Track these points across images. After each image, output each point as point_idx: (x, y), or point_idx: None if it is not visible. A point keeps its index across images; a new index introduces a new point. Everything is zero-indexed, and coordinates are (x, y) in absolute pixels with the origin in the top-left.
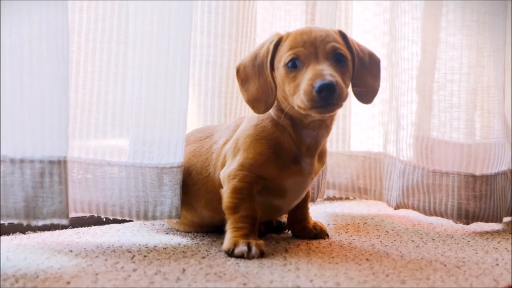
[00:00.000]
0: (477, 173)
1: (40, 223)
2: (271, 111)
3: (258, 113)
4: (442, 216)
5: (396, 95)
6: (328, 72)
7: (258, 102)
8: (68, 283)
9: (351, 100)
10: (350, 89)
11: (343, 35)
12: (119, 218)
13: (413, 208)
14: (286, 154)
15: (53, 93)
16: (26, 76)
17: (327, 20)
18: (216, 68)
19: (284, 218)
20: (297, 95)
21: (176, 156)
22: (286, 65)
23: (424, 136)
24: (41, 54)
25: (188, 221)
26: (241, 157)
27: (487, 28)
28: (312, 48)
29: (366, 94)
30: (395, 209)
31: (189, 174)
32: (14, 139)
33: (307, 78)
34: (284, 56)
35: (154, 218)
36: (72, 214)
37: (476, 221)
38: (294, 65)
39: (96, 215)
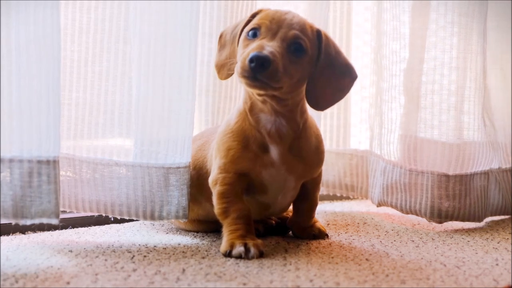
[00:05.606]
0: (451, 172)
1: (28, 222)
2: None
3: (220, 78)
4: (417, 214)
5: (381, 94)
6: (270, 48)
7: (222, 67)
8: (68, 283)
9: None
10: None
11: (318, 34)
12: (127, 218)
13: (392, 206)
14: (253, 142)
15: (41, 93)
16: (15, 76)
17: (318, 22)
18: (203, 67)
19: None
20: (239, 61)
21: (182, 156)
22: (247, 32)
23: (407, 135)
24: (30, 54)
25: (195, 214)
26: (218, 158)
27: (469, 30)
28: (275, 26)
29: (317, 101)
30: (377, 206)
31: (193, 168)
32: (4, 138)
33: (250, 47)
34: (249, 24)
35: (161, 218)
36: (78, 214)
37: (450, 220)
38: (254, 35)
39: (104, 215)
